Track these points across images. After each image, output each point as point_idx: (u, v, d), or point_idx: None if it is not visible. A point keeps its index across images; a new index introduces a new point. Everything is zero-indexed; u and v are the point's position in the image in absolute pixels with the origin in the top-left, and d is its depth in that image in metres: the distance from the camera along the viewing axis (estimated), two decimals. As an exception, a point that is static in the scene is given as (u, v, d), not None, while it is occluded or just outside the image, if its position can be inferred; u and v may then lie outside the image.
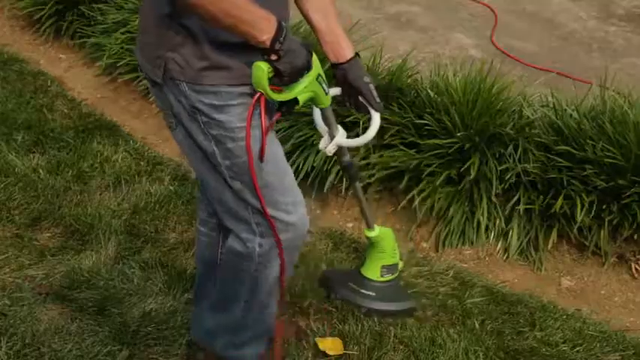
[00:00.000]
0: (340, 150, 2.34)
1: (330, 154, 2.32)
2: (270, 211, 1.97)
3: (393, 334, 2.54)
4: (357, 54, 2.20)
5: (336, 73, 2.21)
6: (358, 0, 5.00)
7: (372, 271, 2.68)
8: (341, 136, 2.26)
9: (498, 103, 3.25)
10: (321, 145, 2.30)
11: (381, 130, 3.21)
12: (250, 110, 1.83)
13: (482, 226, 3.12)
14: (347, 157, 2.41)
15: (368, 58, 3.53)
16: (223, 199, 2.02)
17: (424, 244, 3.20)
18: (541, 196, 3.07)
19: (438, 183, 3.12)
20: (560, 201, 2.99)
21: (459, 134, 3.12)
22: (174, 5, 1.79)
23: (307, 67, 1.87)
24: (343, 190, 3.29)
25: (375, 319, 2.61)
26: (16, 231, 2.91)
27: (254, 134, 1.87)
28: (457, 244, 3.15)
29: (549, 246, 3.08)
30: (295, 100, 1.88)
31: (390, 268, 2.69)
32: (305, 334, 2.51)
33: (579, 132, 3.07)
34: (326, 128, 2.27)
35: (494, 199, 3.12)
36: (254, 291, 2.13)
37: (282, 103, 1.89)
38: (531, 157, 3.10)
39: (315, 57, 1.90)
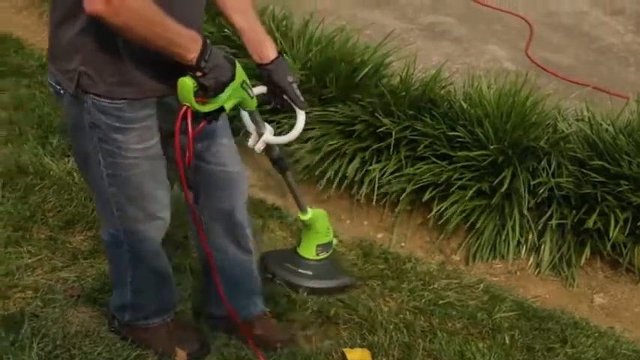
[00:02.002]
0: (269, 146, 2.45)
1: (259, 152, 2.42)
2: (139, 214, 2.12)
3: (422, 347, 2.52)
4: (280, 53, 2.27)
5: (261, 73, 2.28)
6: (392, 10, 4.99)
7: (308, 250, 2.80)
8: (268, 134, 2.37)
9: (532, 116, 3.22)
10: (250, 143, 2.40)
11: (414, 142, 3.22)
12: (179, 122, 1.91)
13: (514, 240, 3.10)
14: (276, 152, 2.52)
15: (401, 68, 3.52)
16: (92, 191, 2.25)
17: (454, 257, 3.17)
18: (574, 211, 3.04)
19: (469, 195, 3.09)
20: (594, 217, 2.96)
21: (491, 147, 3.10)
22: (90, 21, 1.81)
23: (232, 79, 1.94)
24: (374, 201, 3.28)
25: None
26: (49, 233, 2.94)
27: (181, 142, 1.92)
28: (488, 258, 3.12)
29: (582, 262, 3.05)
30: (222, 109, 1.97)
31: (325, 247, 2.81)
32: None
33: (615, 147, 3.03)
34: (254, 126, 2.37)
35: (526, 213, 3.09)
36: (135, 276, 2.29)
37: (207, 113, 1.96)
38: (565, 172, 3.07)
39: (238, 65, 1.98)
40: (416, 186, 3.20)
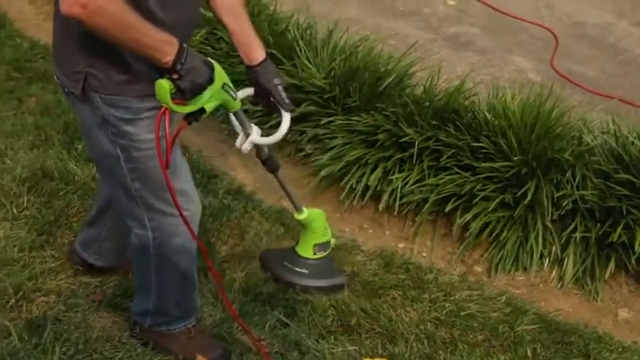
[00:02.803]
0: (258, 146, 2.48)
1: (246, 152, 2.45)
2: (165, 207, 2.14)
3: (442, 358, 2.51)
4: (268, 56, 2.32)
5: (249, 74, 2.34)
6: (416, 20, 4.99)
7: (306, 249, 2.85)
8: (255, 135, 2.40)
9: (557, 128, 3.20)
10: (237, 143, 2.43)
11: (437, 153, 3.21)
12: (157, 122, 1.97)
13: (537, 253, 3.07)
14: (266, 152, 2.55)
15: (425, 78, 3.52)
16: (117, 197, 2.23)
17: (476, 268, 3.15)
18: (598, 225, 3.01)
19: (492, 207, 3.08)
20: (618, 230, 2.93)
21: (515, 158, 3.08)
22: None
23: (209, 82, 1.98)
24: (396, 210, 3.28)
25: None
26: (73, 238, 2.96)
27: (161, 144, 1.99)
28: (510, 270, 3.10)
29: (606, 276, 3.01)
30: (202, 110, 2.01)
31: (323, 246, 2.86)
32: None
33: (641, 160, 3.01)
34: (241, 127, 2.40)
35: (549, 225, 3.07)
36: (161, 280, 2.31)
37: (188, 114, 2.01)
38: (589, 185, 3.04)
39: (219, 67, 2.02)
40: (439, 196, 3.18)
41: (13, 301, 2.60)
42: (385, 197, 3.28)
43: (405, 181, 3.25)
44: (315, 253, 2.86)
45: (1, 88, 4.09)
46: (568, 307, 2.99)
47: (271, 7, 4.13)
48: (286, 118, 2.37)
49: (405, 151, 3.29)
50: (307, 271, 2.84)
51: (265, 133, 2.45)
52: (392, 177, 3.28)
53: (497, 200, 3.08)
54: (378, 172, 3.31)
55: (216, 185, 3.44)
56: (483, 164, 3.13)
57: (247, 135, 2.40)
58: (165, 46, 1.88)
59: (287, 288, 2.82)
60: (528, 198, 3.03)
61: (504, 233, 3.10)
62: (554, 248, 3.09)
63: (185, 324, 2.44)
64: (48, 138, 3.62)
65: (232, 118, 2.40)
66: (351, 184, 3.33)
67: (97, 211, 2.63)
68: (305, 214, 2.80)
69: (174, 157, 2.12)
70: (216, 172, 3.57)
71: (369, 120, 3.38)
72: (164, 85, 1.93)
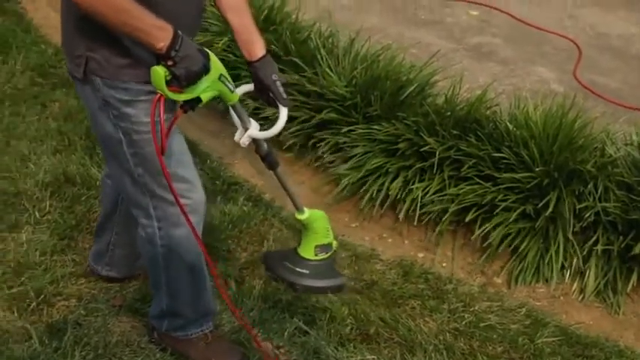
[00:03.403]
0: (256, 141, 2.52)
1: (244, 146, 2.48)
2: (168, 195, 2.14)
3: (461, 370, 2.49)
4: (268, 52, 2.37)
5: (249, 70, 2.39)
6: (439, 30, 4.99)
7: (307, 250, 2.89)
8: (253, 129, 2.44)
9: (580, 139, 3.18)
10: (236, 137, 2.47)
11: (458, 162, 3.20)
12: (153, 108, 2.00)
13: (558, 265, 3.04)
14: (264, 147, 2.58)
15: (447, 88, 3.51)
16: (122, 184, 2.24)
17: (496, 279, 3.13)
18: (621, 237, 2.97)
19: (513, 218, 3.06)
20: (641, 243, 2.90)
21: (537, 169, 3.06)
22: None
23: (205, 71, 2.03)
24: (416, 220, 3.26)
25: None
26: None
27: (157, 129, 2.02)
28: (531, 281, 3.07)
29: (628, 289, 2.98)
30: (198, 99, 2.05)
31: (324, 248, 2.90)
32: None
33: (665, 173, 2.98)
34: (239, 121, 2.44)
35: (571, 237, 3.04)
36: (170, 276, 2.32)
37: (185, 102, 2.05)
38: (612, 197, 3.01)
39: (215, 58, 2.07)
40: (459, 206, 3.17)
41: (34, 304, 2.62)
42: (405, 206, 3.27)
43: (426, 190, 3.23)
44: (316, 255, 2.90)
45: (25, 93, 4.14)
46: (589, 320, 2.96)
47: (293, 16, 4.14)
48: (283, 113, 2.41)
49: (425, 160, 3.28)
50: (308, 272, 2.88)
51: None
52: (412, 186, 3.27)
53: (518, 211, 3.06)
54: (399, 181, 3.30)
55: (237, 192, 3.46)
56: (504, 175, 3.12)
57: (246, 129, 2.45)
58: (158, 31, 1.92)
59: (288, 288, 2.85)
60: (550, 209, 3.00)
61: (525, 244, 3.07)
62: (575, 260, 3.05)
63: (202, 329, 2.45)
64: (71, 143, 3.66)
65: (231, 111, 2.44)
66: (371, 193, 3.32)
67: (104, 216, 2.66)
68: (306, 214, 2.84)
69: (175, 144, 2.16)
70: (236, 179, 3.58)
71: (389, 129, 3.37)
72: (159, 72, 1.96)
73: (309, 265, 2.89)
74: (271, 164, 2.66)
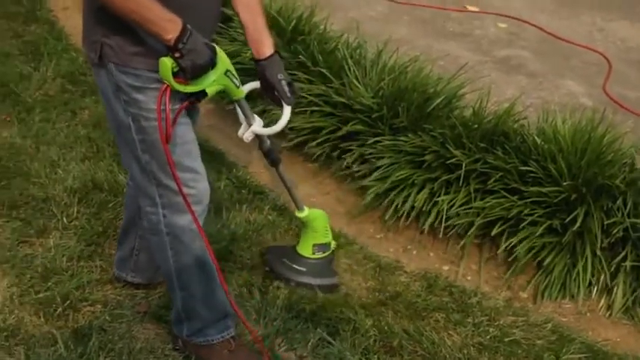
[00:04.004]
0: (260, 137, 2.58)
1: (248, 141, 2.56)
2: (174, 184, 2.20)
3: (485, 385, 2.47)
4: (277, 52, 2.43)
5: (256, 68, 2.45)
6: (467, 42, 4.98)
7: (305, 248, 2.95)
8: (257, 125, 2.51)
9: (609, 154, 3.14)
10: (240, 132, 2.54)
11: (484, 175, 3.19)
12: (159, 98, 2.08)
13: (585, 280, 3.01)
14: (267, 144, 2.63)
15: (474, 100, 3.50)
16: (132, 170, 2.31)
17: (522, 294, 3.10)
18: (650, 254, 2.94)
19: (539, 232, 3.03)
20: (671, 260, 2.86)
21: (565, 183, 3.04)
22: None
23: (211, 65, 2.11)
24: (441, 233, 3.25)
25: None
26: (120, 249, 3.01)
27: (163, 118, 2.10)
28: (557, 297, 3.04)
29: (657, 306, 2.94)
30: (204, 92, 2.13)
31: (322, 247, 2.96)
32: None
33: (695, 189, 2.93)
34: (244, 117, 2.51)
35: (598, 252, 3.00)
36: (179, 267, 2.35)
37: (191, 94, 2.13)
38: (641, 213, 2.98)
39: (222, 54, 2.15)
40: (485, 220, 3.15)
41: (60, 309, 2.65)
42: (430, 219, 3.25)
43: (451, 203, 3.22)
44: (313, 253, 2.96)
45: (56, 100, 4.19)
46: (616, 337, 2.92)
47: (322, 26, 4.15)
48: (287, 111, 2.47)
49: (451, 172, 3.27)
50: (305, 269, 2.94)
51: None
52: (438, 199, 3.25)
53: (544, 225, 3.04)
54: (424, 193, 3.29)
55: (262, 201, 3.47)
56: (531, 188, 3.09)
57: (250, 125, 2.51)
58: (167, 23, 2.00)
59: (285, 283, 2.91)
60: (577, 224, 2.97)
61: (551, 259, 3.04)
62: (602, 276, 3.02)
63: (222, 335, 2.46)
64: (99, 150, 3.70)
65: (236, 107, 2.49)
66: (397, 205, 3.31)
67: (128, 220, 2.69)
68: (305, 212, 2.90)
69: (183, 134, 2.21)
70: (262, 189, 3.59)
71: (416, 141, 3.37)
72: (166, 63, 2.04)
73: (306, 263, 2.95)
74: (273, 161, 2.72)
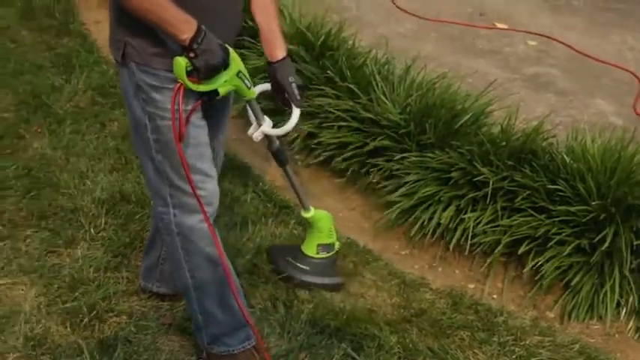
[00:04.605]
0: (269, 137, 2.66)
1: (257, 141, 2.64)
2: (185, 185, 2.26)
3: (510, 405, 2.44)
4: (289, 55, 2.48)
5: (268, 70, 2.50)
6: (496, 59, 4.96)
7: (309, 248, 3.01)
8: (267, 126, 2.59)
9: (639, 173, 3.11)
10: (250, 131, 2.63)
11: (512, 193, 3.16)
12: (173, 96, 2.15)
13: (613, 301, 2.97)
14: (276, 144, 2.71)
15: (502, 117, 3.48)
16: (146, 170, 2.36)
17: (549, 314, 3.07)
18: (680, 276, 2.89)
19: (567, 251, 3.00)
20: (701, 282, 2.81)
21: (594, 203, 3.00)
22: None
23: (224, 66, 2.17)
24: (467, 250, 3.23)
25: None
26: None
27: (177, 117, 2.16)
28: (584, 318, 3.00)
29: (687, 330, 2.89)
30: (216, 92, 2.20)
31: (326, 247, 3.02)
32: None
33: None
34: (254, 117, 2.59)
35: (627, 273, 2.96)
36: (192, 267, 2.38)
37: (203, 93, 2.19)
38: (672, 234, 2.93)
39: (235, 55, 2.21)
40: (511, 238, 3.12)
41: (86, 319, 2.67)
42: (456, 236, 3.23)
43: (478, 220, 3.20)
44: (317, 253, 3.01)
45: (86, 112, 4.24)
46: (645, 359, 2.88)
47: (350, 42, 4.17)
48: (296, 113, 2.53)
49: (478, 190, 3.25)
50: (308, 268, 2.99)
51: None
52: (464, 216, 3.23)
53: (572, 245, 3.00)
54: (450, 210, 3.27)
55: (288, 216, 3.47)
56: (559, 207, 3.06)
57: (259, 125, 2.59)
58: (182, 24, 2.07)
59: (288, 282, 2.97)
60: (606, 244, 2.94)
61: (579, 279, 3.01)
62: (631, 298, 2.98)
63: (243, 345, 2.47)
64: (127, 162, 3.73)
65: (247, 107, 2.58)
66: (423, 221, 3.30)
67: (154, 229, 2.71)
68: (311, 212, 2.96)
69: (196, 136, 2.26)
70: (287, 203, 3.60)
71: (443, 157, 3.35)
72: (180, 62, 2.10)
73: (310, 262, 3.00)
74: (281, 161, 2.79)
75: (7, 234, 3.15)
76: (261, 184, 3.74)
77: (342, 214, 3.58)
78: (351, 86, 3.75)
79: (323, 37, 4.10)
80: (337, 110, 3.71)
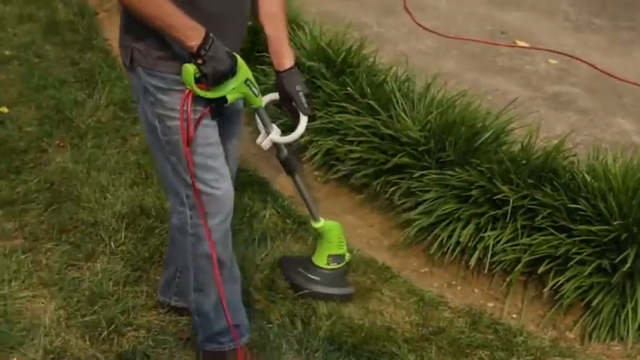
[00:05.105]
0: (277, 146, 2.70)
1: (266, 149, 2.67)
2: (197, 184, 2.28)
3: None
4: (296, 64, 2.51)
5: (276, 79, 2.53)
6: (517, 77, 4.94)
7: (320, 259, 3.04)
8: (275, 134, 2.62)
9: (661, 193, 3.08)
10: (258, 140, 2.66)
11: (532, 212, 3.14)
12: (182, 103, 2.18)
13: (635, 323, 2.93)
14: (285, 153, 2.75)
15: (523, 136, 3.46)
16: (163, 171, 2.39)
17: (569, 334, 3.04)
18: None
19: (588, 271, 2.97)
20: None
21: (615, 223, 2.98)
22: None
23: (232, 73, 2.20)
24: (486, 269, 3.21)
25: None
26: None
27: (185, 120, 2.19)
28: (605, 339, 2.96)
29: None
30: (224, 99, 2.22)
31: (337, 258, 3.04)
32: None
33: None
34: (263, 125, 2.62)
35: (649, 294, 2.93)
36: (197, 268, 2.42)
37: (212, 100, 2.22)
38: (695, 255, 2.90)
39: (243, 63, 2.24)
40: (531, 257, 3.10)
41: (105, 333, 2.68)
42: (476, 254, 3.21)
43: (498, 239, 3.18)
44: (328, 264, 3.03)
45: (107, 126, 4.28)
46: (667, 382, 2.84)
47: (370, 59, 4.18)
48: (303, 121, 2.55)
49: (498, 208, 3.23)
50: (319, 279, 3.01)
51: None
52: (484, 234, 3.22)
53: (593, 265, 2.98)
54: (470, 228, 3.26)
55: (306, 232, 3.47)
56: (580, 227, 3.04)
57: (268, 133, 2.62)
58: (190, 31, 2.10)
59: (298, 292, 2.99)
60: (627, 265, 2.91)
61: (599, 299, 2.98)
62: (654, 320, 2.94)
63: (235, 343, 2.49)
64: (148, 176, 3.75)
65: (255, 115, 2.60)
66: (442, 239, 3.29)
67: (171, 242, 2.71)
68: (321, 223, 2.99)
69: (206, 136, 2.28)
70: (306, 219, 3.59)
71: (463, 175, 3.34)
72: (189, 69, 2.14)
73: (321, 273, 3.02)
74: (290, 170, 2.83)
75: (29, 247, 3.18)
76: (280, 199, 3.74)
77: (361, 230, 3.58)
78: (372, 103, 3.75)
79: (344, 54, 4.12)
80: (357, 126, 3.71)
